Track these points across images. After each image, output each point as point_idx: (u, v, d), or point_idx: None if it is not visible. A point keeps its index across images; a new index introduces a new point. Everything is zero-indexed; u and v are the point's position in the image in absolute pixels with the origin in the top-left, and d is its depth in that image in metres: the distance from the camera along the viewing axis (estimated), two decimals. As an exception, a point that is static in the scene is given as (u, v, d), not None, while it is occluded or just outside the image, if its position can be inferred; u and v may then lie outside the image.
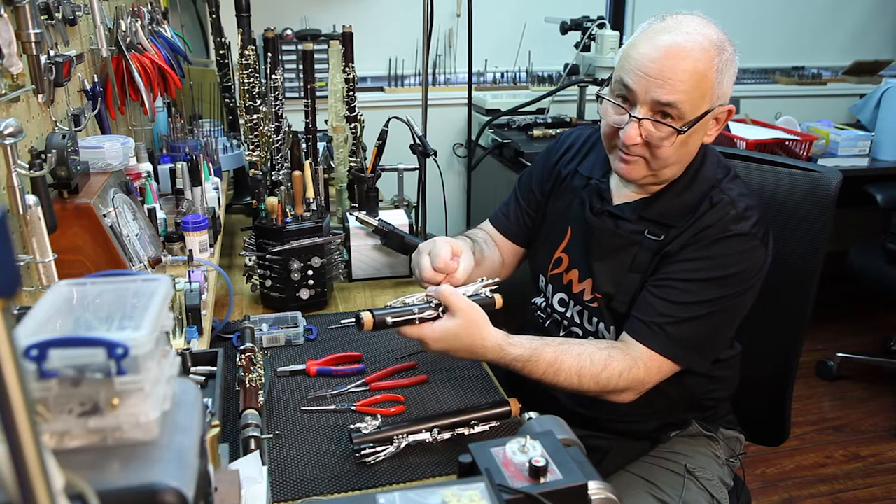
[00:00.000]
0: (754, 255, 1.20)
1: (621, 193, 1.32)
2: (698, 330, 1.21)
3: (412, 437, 1.11)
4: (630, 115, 1.19)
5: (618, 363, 1.18)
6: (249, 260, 1.59)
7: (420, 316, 1.13)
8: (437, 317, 1.14)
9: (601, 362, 1.17)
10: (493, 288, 1.22)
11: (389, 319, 1.12)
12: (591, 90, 3.02)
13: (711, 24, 1.20)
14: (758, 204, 1.24)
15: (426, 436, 1.12)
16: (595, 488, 0.67)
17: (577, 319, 1.36)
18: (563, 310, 1.39)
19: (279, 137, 1.70)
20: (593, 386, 1.17)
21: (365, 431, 1.09)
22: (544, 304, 1.43)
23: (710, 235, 1.20)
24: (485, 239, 1.50)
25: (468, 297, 1.17)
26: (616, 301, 1.28)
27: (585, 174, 1.39)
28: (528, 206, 1.48)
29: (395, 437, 1.10)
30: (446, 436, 1.14)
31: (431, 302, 1.15)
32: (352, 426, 1.11)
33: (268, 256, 1.52)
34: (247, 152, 1.74)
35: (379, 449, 1.09)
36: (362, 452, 1.09)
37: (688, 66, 1.14)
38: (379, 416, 1.13)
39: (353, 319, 1.12)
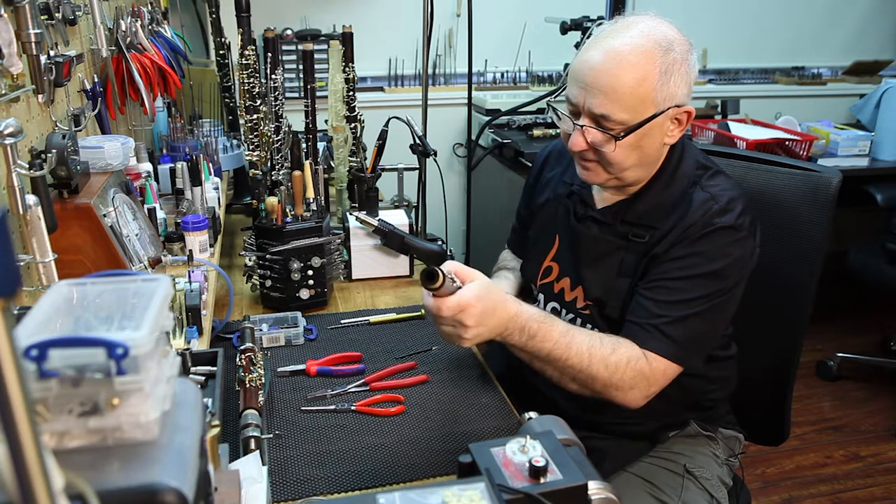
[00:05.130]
0: (742, 246, 1.20)
1: (603, 197, 1.32)
2: (694, 327, 1.20)
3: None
4: (574, 124, 1.20)
5: (626, 350, 1.18)
6: (249, 260, 1.59)
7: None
8: (460, 287, 1.13)
9: (610, 346, 1.17)
10: None
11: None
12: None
13: (664, 23, 1.19)
14: (742, 196, 1.23)
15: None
16: (595, 488, 0.67)
17: None
18: None
19: (279, 137, 1.70)
20: (602, 370, 1.16)
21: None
22: None
23: (694, 232, 1.19)
24: (514, 268, 1.55)
25: None
26: (608, 307, 1.28)
27: (568, 181, 1.39)
28: (528, 224, 1.51)
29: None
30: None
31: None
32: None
33: (268, 256, 1.52)
34: (247, 152, 1.74)
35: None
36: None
37: (620, 74, 1.14)
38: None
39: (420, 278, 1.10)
